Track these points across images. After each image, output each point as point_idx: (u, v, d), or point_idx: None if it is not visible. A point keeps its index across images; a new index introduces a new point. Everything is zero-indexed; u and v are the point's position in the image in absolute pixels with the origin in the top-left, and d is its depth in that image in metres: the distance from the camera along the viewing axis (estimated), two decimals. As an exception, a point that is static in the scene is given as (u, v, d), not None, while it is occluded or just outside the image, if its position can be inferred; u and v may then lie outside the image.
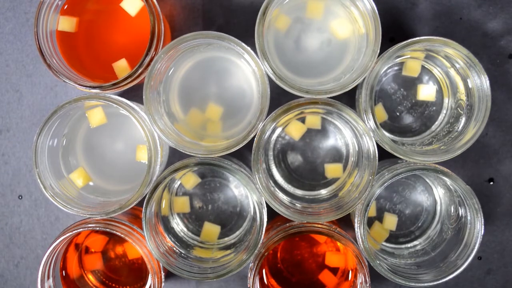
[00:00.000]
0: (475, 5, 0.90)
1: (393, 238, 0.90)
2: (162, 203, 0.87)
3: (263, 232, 0.76)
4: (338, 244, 0.86)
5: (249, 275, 0.79)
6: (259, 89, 0.75)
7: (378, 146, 0.76)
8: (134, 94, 0.89)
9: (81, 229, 0.77)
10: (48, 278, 0.80)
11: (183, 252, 0.84)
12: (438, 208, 0.90)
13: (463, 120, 0.83)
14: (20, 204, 0.94)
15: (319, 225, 0.80)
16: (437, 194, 0.90)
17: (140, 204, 0.77)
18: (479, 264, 0.93)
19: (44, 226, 0.94)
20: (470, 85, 0.80)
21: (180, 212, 0.90)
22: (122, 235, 0.78)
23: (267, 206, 0.77)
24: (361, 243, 0.78)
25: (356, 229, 0.78)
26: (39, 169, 0.77)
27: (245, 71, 0.84)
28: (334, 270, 0.88)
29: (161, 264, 0.79)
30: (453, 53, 0.79)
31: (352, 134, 0.87)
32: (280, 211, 0.77)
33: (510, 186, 0.92)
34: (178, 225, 0.90)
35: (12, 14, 0.92)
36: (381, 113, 0.88)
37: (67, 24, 0.83)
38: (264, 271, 0.87)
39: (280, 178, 0.90)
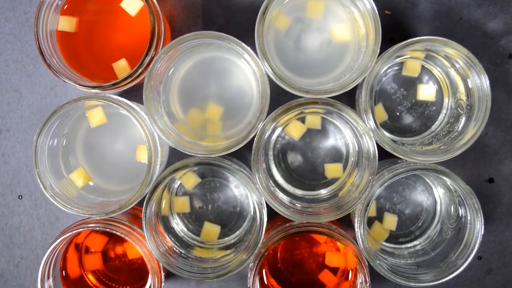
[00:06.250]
0: (475, 5, 0.90)
1: (393, 238, 0.90)
2: (162, 203, 0.87)
3: (263, 232, 0.76)
4: (338, 244, 0.86)
5: (249, 275, 0.79)
6: (259, 89, 0.75)
7: (378, 146, 0.76)
8: (134, 94, 0.89)
9: (81, 229, 0.77)
10: (48, 278, 0.80)
11: (183, 252, 0.84)
12: (438, 208, 0.90)
13: (463, 120, 0.83)
14: (20, 204, 0.94)
15: (319, 225, 0.80)
16: (437, 194, 0.90)
17: (140, 204, 0.77)
18: (479, 264, 0.93)
19: (44, 226, 0.94)
20: (470, 85, 0.80)
21: (180, 212, 0.90)
22: (122, 235, 0.78)
23: (267, 206, 0.77)
24: (361, 243, 0.78)
25: (356, 229, 0.78)
26: (39, 169, 0.77)
27: (245, 71, 0.84)
28: (334, 270, 0.88)
29: (161, 264, 0.79)
30: (453, 53, 0.79)
31: (352, 134, 0.87)
32: (280, 211, 0.77)
33: (510, 186, 0.92)
34: (178, 225, 0.90)
35: (12, 14, 0.92)
36: (381, 113, 0.88)
37: (67, 24, 0.83)
38: (264, 271, 0.87)
39: (280, 178, 0.90)
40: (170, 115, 0.83)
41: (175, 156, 0.91)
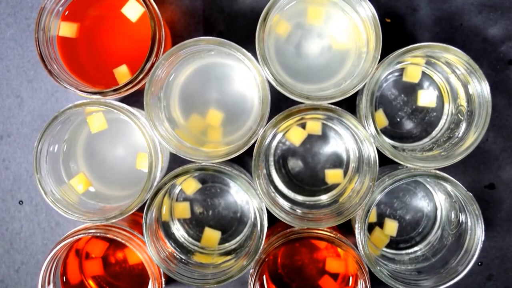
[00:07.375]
0: (475, 11, 0.90)
1: (393, 244, 0.90)
2: (163, 208, 0.87)
3: (264, 238, 0.76)
4: (339, 250, 0.86)
5: (249, 281, 0.79)
6: (259, 95, 0.75)
7: (379, 152, 0.76)
8: (135, 100, 0.89)
9: (81, 235, 0.77)
10: (49, 283, 0.79)
11: (183, 257, 0.84)
12: (439, 214, 0.90)
13: (463, 126, 0.83)
14: (21, 210, 0.94)
15: (320, 231, 0.80)
16: (438, 200, 0.90)
17: (141, 209, 0.77)
18: (480, 270, 0.93)
19: (44, 231, 0.94)
20: (470, 91, 0.80)
21: (180, 218, 0.90)
22: (122, 241, 0.78)
23: (268, 211, 0.77)
24: (361, 249, 0.78)
25: (356, 235, 0.78)
26: (39, 174, 0.77)
27: (245, 77, 0.84)
28: (334, 276, 0.88)
29: (161, 270, 0.79)
30: (454, 59, 0.79)
31: (353, 140, 0.87)
32: (281, 217, 0.77)
33: (510, 192, 0.92)
34: (178, 230, 0.90)
35: (13, 20, 0.93)
36: (382, 119, 0.88)
37: (68, 29, 0.83)
38: (264, 276, 0.86)
39: (280, 184, 0.90)
40: (171, 121, 0.83)
41: (175, 162, 0.91)
